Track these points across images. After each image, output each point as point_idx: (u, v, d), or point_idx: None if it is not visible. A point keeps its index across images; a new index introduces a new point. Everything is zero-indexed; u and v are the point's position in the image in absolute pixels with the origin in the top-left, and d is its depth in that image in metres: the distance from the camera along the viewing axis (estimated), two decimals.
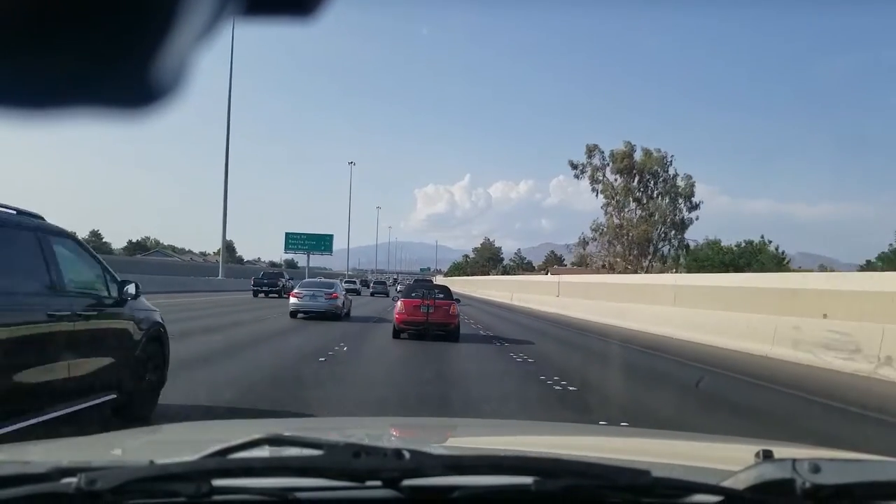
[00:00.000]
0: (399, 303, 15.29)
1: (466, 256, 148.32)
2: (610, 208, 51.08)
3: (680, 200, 49.34)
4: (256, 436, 1.20)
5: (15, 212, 4.52)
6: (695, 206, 49.75)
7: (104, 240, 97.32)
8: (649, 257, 49.77)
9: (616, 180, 50.38)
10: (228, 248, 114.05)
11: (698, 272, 34.44)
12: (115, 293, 5.44)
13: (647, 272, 44.63)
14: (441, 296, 15.41)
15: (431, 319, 14.52)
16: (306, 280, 25.30)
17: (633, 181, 49.87)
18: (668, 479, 1.19)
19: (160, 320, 6.09)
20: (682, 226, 49.53)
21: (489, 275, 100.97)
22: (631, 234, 49.49)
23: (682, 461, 1.97)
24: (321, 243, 74.93)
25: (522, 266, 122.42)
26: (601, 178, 50.88)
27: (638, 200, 49.77)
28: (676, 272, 41.21)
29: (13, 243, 4.37)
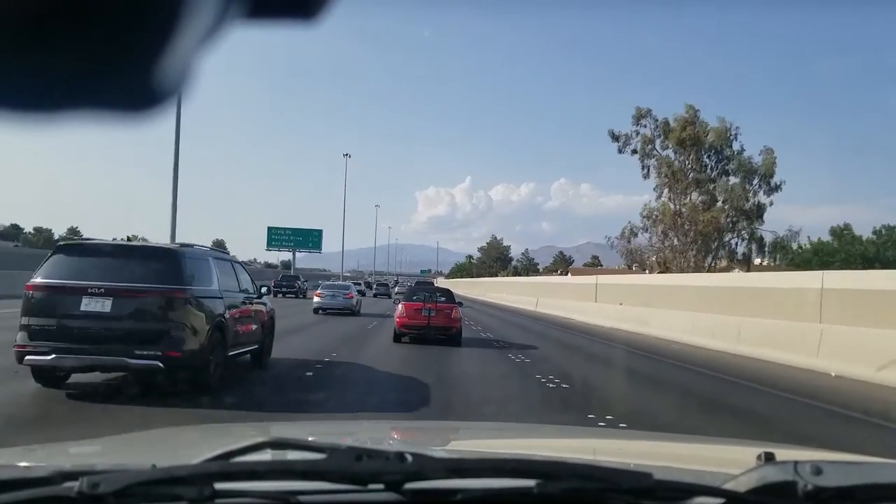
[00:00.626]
0: (400, 306, 15.04)
1: (470, 257, 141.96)
2: (665, 191, 40.04)
3: (755, 180, 38.37)
4: (259, 439, 1.20)
5: (228, 253, 9.86)
6: (774, 188, 38.32)
7: (84, 237, 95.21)
8: (713, 252, 39.40)
9: (674, 155, 39.63)
10: (220, 246, 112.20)
11: (822, 269, 25.30)
12: (256, 291, 9.63)
13: (708, 271, 35.94)
14: (443, 299, 15.21)
15: (433, 323, 14.31)
16: (326, 283, 30.07)
17: (692, 156, 39.13)
18: (670, 482, 1.19)
19: (273, 308, 10.52)
20: (757, 213, 38.37)
21: (497, 276, 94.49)
22: (694, 224, 38.36)
23: (683, 464, 1.97)
24: (309, 239, 66.50)
25: (531, 267, 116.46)
26: (653, 151, 40.16)
27: (698, 182, 39.31)
28: (746, 270, 34.26)
29: (226, 267, 8.71)
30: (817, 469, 1.13)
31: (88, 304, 6.59)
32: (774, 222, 40.48)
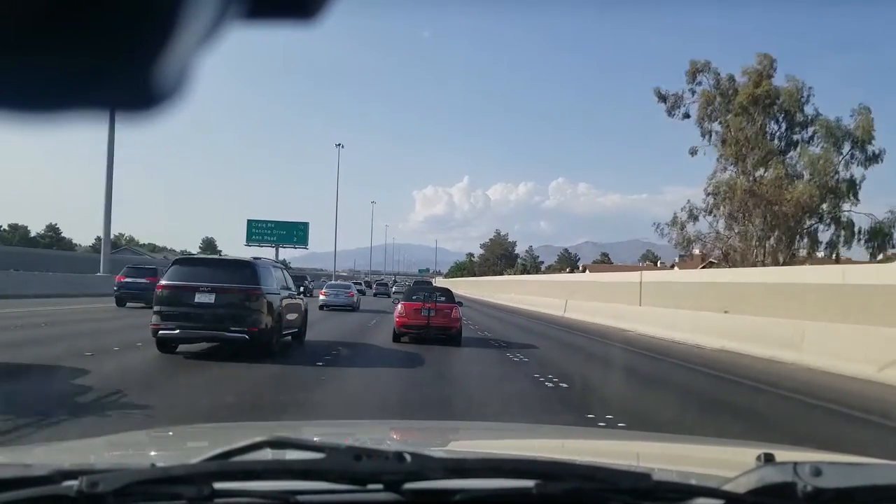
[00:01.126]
0: (399, 305, 14.93)
1: (471, 255, 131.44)
2: (730, 162, 32.08)
3: (845, 147, 30.32)
4: (258, 439, 1.20)
5: (280, 261, 22.74)
6: (873, 158, 30.09)
7: (63, 235, 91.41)
8: (798, 239, 31.34)
9: (739, 118, 31.58)
10: (209, 244, 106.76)
11: None
12: (297, 289, 13.37)
13: (784, 263, 28.22)
14: (443, 299, 15.11)
15: (433, 323, 14.23)
16: (330, 283, 34.29)
17: (761, 119, 31.26)
18: (669, 483, 1.19)
19: (307, 301, 14.36)
20: (849, 189, 30.62)
21: (503, 274, 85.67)
22: (775, 203, 30.13)
23: (683, 464, 1.97)
24: (293, 234, 60.83)
25: (535, 265, 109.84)
26: (715, 113, 32.48)
27: (776, 151, 31.69)
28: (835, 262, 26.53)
29: (279, 272, 11.97)
30: (817, 470, 1.13)
31: (200, 298, 10.12)
32: (868, 203, 33.51)
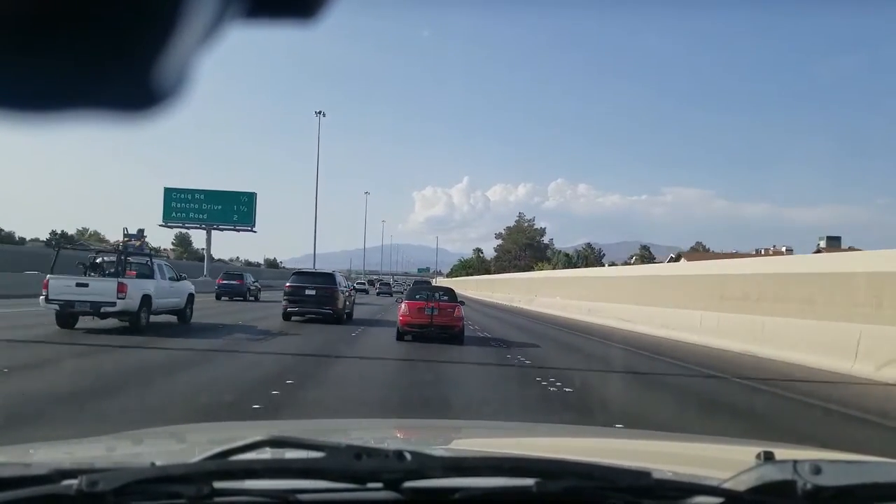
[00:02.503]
0: (403, 305, 15.25)
1: (478, 250, 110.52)
2: None
3: None
4: (257, 437, 1.20)
5: (334, 271, 24.25)
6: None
7: (4, 230, 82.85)
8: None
9: None
10: (183, 242, 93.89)
11: None
12: (346, 284, 22.97)
13: None
14: (445, 298, 15.39)
15: (436, 322, 14.50)
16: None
17: None
18: (669, 481, 1.19)
19: (354, 295, 25.01)
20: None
21: (535, 269, 62.15)
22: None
23: (682, 462, 1.97)
24: (232, 209, 44.85)
25: (595, 258, 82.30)
26: None
27: None
28: None
29: (342, 278, 22.65)
30: (816, 468, 1.13)
31: (308, 292, 19.18)
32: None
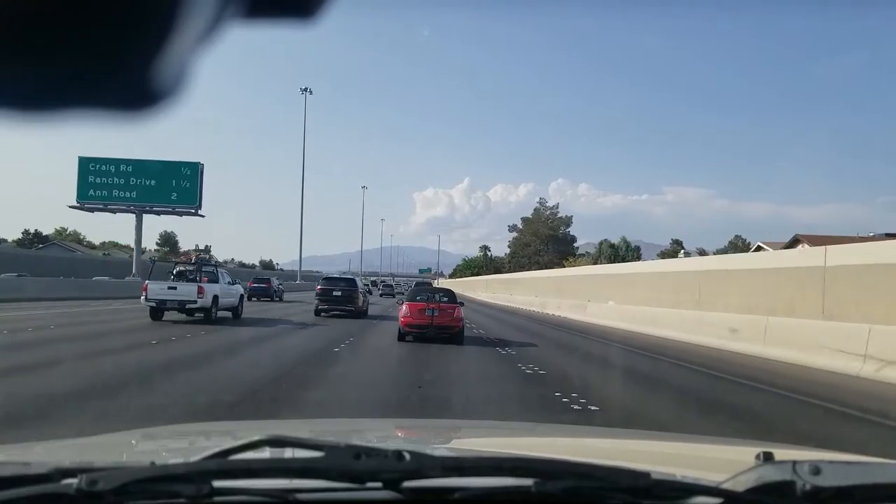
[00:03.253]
0: (404, 306, 15.58)
1: (486, 248, 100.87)
2: None
3: None
4: (257, 437, 1.20)
5: (352, 274, 37.52)
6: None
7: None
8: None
9: None
10: (168, 241, 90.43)
11: None
12: (362, 287, 27.77)
13: None
14: (445, 299, 15.77)
15: (436, 322, 14.83)
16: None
17: None
18: (668, 481, 1.19)
19: (367, 291, 32.12)
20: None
21: (564, 266, 53.04)
22: None
23: (682, 463, 1.97)
24: (169, 186, 35.89)
25: (632, 251, 67.17)
26: None
27: None
28: None
29: (361, 281, 29.50)
30: (816, 469, 1.13)
31: (335, 293, 24.16)
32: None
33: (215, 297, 18.99)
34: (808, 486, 1.11)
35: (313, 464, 1.12)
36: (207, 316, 18.63)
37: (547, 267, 56.17)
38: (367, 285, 40.49)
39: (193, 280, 19.62)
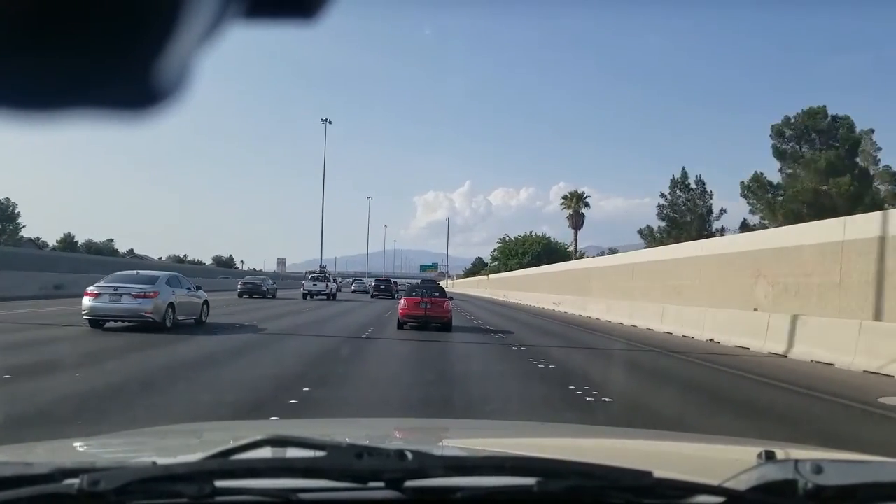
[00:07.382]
0: (402, 300, 18.29)
1: (504, 239, 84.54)
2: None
3: None
4: (259, 437, 1.20)
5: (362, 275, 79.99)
6: None
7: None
8: None
9: None
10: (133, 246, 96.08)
11: None
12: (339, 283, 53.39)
13: None
14: (437, 294, 18.57)
15: (429, 314, 17.53)
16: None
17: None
18: (670, 480, 1.19)
19: (369, 290, 55.73)
20: None
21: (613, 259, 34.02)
22: None
23: (684, 462, 1.97)
24: None
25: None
26: None
27: None
28: None
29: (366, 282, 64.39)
30: (818, 468, 1.13)
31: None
32: None
33: (334, 292, 35.94)
34: (810, 485, 1.11)
35: (315, 463, 1.12)
36: (332, 299, 35.42)
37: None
38: (353, 285, 59.65)
39: (326, 279, 40.88)
